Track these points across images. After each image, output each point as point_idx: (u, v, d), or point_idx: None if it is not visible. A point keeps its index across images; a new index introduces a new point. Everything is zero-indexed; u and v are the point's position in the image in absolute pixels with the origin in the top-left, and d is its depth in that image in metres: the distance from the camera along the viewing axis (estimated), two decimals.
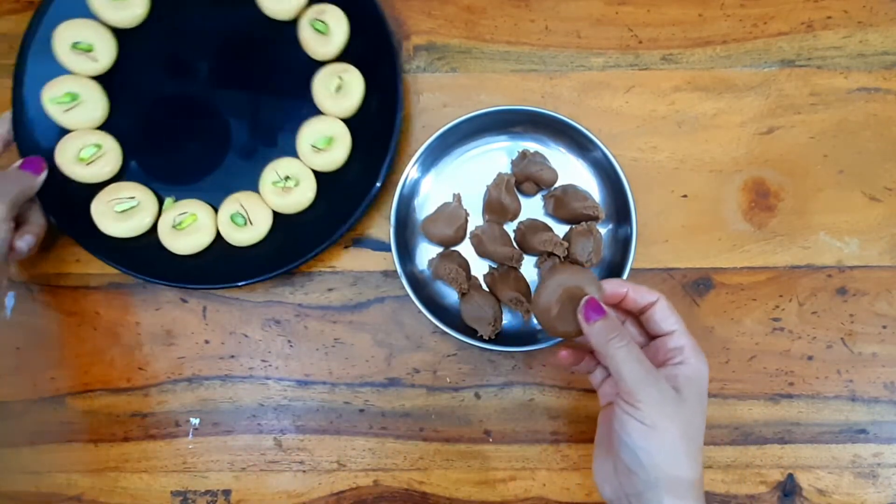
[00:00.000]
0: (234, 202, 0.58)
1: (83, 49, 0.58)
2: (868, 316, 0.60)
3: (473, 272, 0.59)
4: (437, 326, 0.55)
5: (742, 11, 0.62)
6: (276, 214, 0.59)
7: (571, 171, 0.59)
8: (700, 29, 0.62)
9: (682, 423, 0.42)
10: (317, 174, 0.59)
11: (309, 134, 0.58)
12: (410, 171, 0.57)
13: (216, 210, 0.59)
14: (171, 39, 0.61)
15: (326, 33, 0.58)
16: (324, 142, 0.57)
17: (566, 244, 0.56)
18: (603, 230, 0.59)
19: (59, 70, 0.58)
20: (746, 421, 0.59)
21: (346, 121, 0.59)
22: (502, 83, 0.62)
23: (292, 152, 0.59)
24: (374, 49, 0.59)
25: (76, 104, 0.57)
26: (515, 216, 0.59)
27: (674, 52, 0.62)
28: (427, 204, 0.60)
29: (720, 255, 0.61)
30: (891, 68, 0.62)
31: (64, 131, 0.58)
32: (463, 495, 0.59)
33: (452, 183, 0.60)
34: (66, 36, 0.58)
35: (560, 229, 0.59)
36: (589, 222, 0.57)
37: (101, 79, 0.59)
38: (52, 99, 0.57)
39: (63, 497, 0.60)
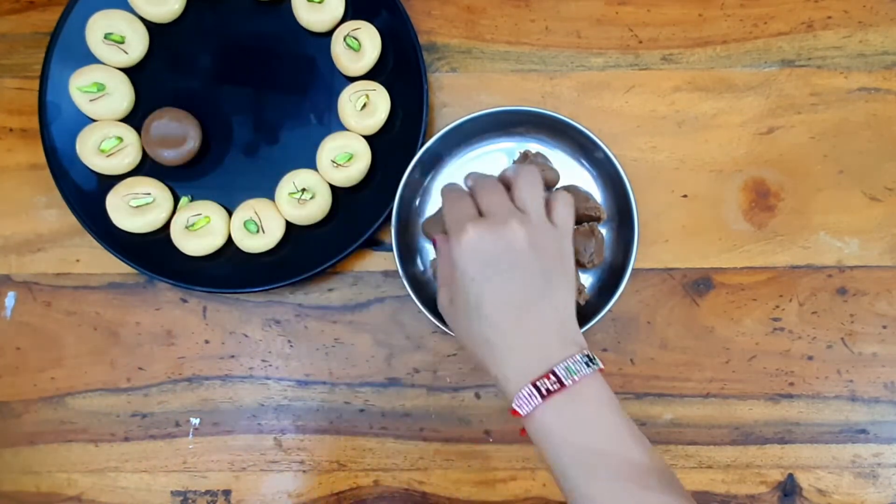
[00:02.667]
0: (249, 209, 0.57)
1: (115, 40, 0.58)
2: (868, 316, 0.60)
3: None
4: (437, 326, 0.55)
5: (742, 11, 0.62)
6: (289, 224, 0.59)
7: (573, 171, 0.59)
8: (700, 29, 0.62)
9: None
10: (333, 187, 0.59)
11: (330, 149, 0.58)
12: (412, 172, 0.57)
13: (230, 213, 0.59)
14: (203, 38, 0.61)
15: (358, 50, 0.58)
16: (344, 158, 0.57)
17: None
18: (604, 231, 0.59)
19: (87, 59, 0.58)
20: (746, 421, 0.59)
21: (369, 136, 0.59)
22: (502, 83, 0.62)
23: (311, 164, 0.58)
24: (403, 68, 0.59)
25: (102, 94, 0.57)
26: None
27: (674, 52, 0.62)
28: (428, 204, 0.59)
29: (720, 255, 0.61)
30: (891, 68, 0.62)
31: (87, 120, 0.58)
32: (463, 495, 0.59)
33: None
34: (100, 25, 0.58)
35: None
36: (591, 223, 0.57)
37: (129, 71, 0.59)
38: (80, 87, 0.57)
39: (63, 497, 0.60)
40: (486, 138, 0.60)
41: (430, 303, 0.57)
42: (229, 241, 0.58)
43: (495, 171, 0.58)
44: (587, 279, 0.59)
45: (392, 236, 0.56)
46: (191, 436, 0.60)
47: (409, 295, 0.55)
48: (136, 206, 0.57)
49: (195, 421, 0.60)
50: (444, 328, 0.55)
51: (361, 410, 0.60)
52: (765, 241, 0.61)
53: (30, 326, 0.60)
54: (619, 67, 0.62)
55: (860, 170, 0.61)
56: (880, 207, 0.61)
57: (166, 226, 0.58)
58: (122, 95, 0.58)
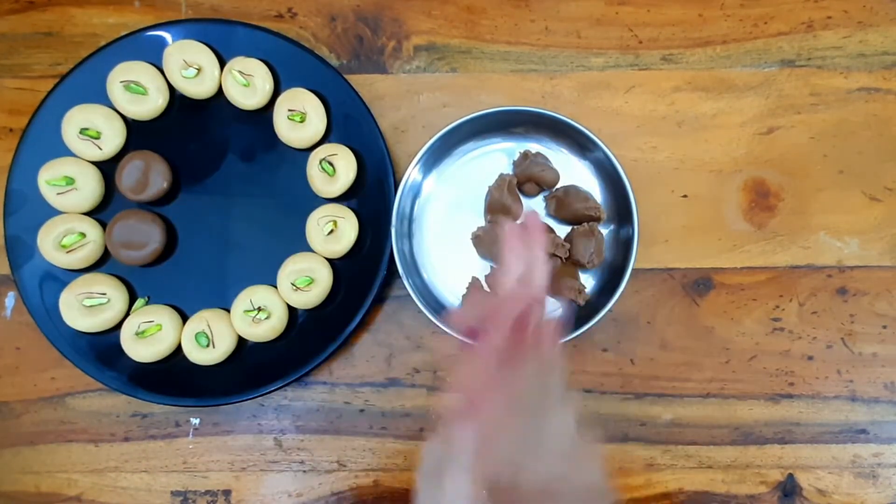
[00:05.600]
0: (202, 320, 0.56)
1: (90, 135, 0.57)
2: (868, 316, 0.60)
3: (474, 273, 0.59)
4: (437, 326, 0.55)
5: (742, 11, 0.62)
6: (241, 337, 0.58)
7: (573, 171, 0.59)
8: (700, 29, 0.62)
9: None
10: (291, 306, 0.58)
11: (291, 272, 0.56)
12: (412, 173, 0.57)
13: (186, 317, 0.58)
14: (181, 139, 0.60)
15: (333, 175, 0.57)
16: (304, 282, 0.56)
17: (568, 245, 0.56)
18: (604, 231, 0.59)
19: (61, 147, 0.58)
20: (746, 421, 0.59)
21: (334, 258, 0.58)
22: (502, 83, 0.62)
23: (274, 277, 0.57)
24: (375, 192, 0.58)
25: (71, 188, 0.56)
26: (517, 217, 0.59)
27: (674, 52, 0.62)
28: (428, 204, 0.59)
29: (720, 255, 0.61)
30: (891, 68, 0.62)
31: (52, 211, 0.57)
32: None
33: (454, 184, 0.60)
34: (77, 120, 0.57)
35: (562, 230, 0.59)
36: (591, 223, 0.57)
37: (103, 162, 0.58)
38: (48, 181, 0.56)
39: (63, 497, 0.60)
40: (486, 138, 0.60)
41: (431, 303, 0.57)
42: (179, 346, 0.57)
43: (495, 172, 0.58)
44: (587, 279, 0.59)
45: (392, 236, 0.56)
46: (191, 436, 0.60)
47: (409, 295, 0.55)
48: (89, 306, 0.56)
49: (195, 421, 0.60)
50: (444, 328, 0.55)
51: (361, 410, 0.60)
52: (765, 241, 0.61)
53: (30, 326, 0.60)
54: (619, 67, 0.62)
55: (860, 170, 0.61)
56: (880, 207, 0.61)
57: (119, 324, 0.57)
58: (91, 190, 0.57)
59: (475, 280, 0.57)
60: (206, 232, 0.59)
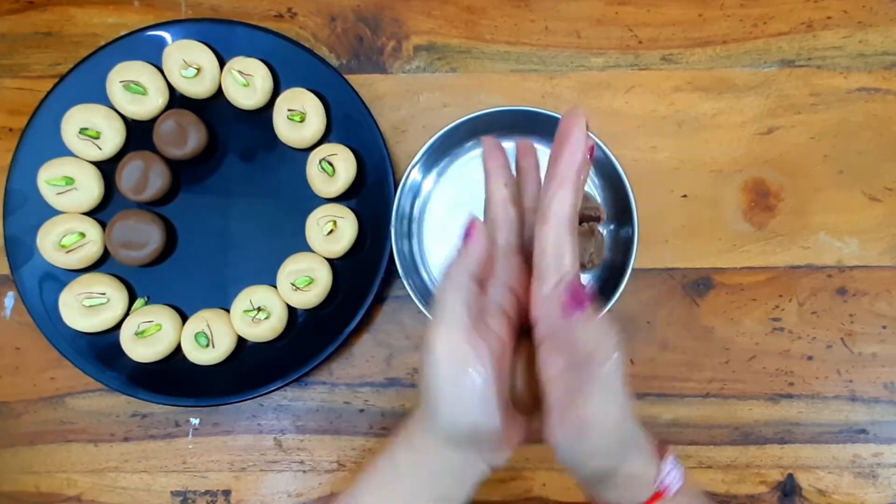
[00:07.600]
0: (202, 321, 0.56)
1: (90, 135, 0.57)
2: (868, 316, 0.60)
3: None
4: None
5: (742, 11, 0.62)
6: (241, 337, 0.58)
7: None
8: (700, 29, 0.62)
9: None
10: (291, 306, 0.58)
11: (291, 272, 0.56)
12: (412, 173, 0.57)
13: (186, 317, 0.58)
14: None
15: (332, 175, 0.57)
16: (303, 282, 0.56)
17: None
18: (604, 231, 0.59)
19: (61, 147, 0.58)
20: (746, 421, 0.59)
21: (333, 258, 0.58)
22: (502, 83, 0.62)
23: (274, 277, 0.57)
24: (375, 193, 0.58)
25: (71, 188, 0.56)
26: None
27: (674, 52, 0.62)
28: (428, 204, 0.59)
29: (720, 255, 0.61)
30: (891, 68, 0.62)
31: (51, 210, 0.57)
32: None
33: (454, 184, 0.60)
34: (77, 119, 0.56)
35: None
36: (591, 223, 0.57)
37: (103, 162, 0.58)
38: (48, 181, 0.56)
39: (63, 497, 0.60)
40: None
41: (431, 303, 0.57)
42: (179, 346, 0.57)
43: None
44: (587, 279, 0.59)
45: (391, 236, 0.56)
46: (190, 436, 0.60)
47: (409, 295, 0.55)
48: (89, 306, 0.56)
49: (195, 421, 0.60)
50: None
51: (361, 410, 0.60)
52: (765, 241, 0.61)
53: (30, 326, 0.60)
54: (619, 67, 0.62)
55: (860, 170, 0.61)
56: (880, 207, 0.61)
57: (119, 324, 0.57)
58: (90, 190, 0.57)
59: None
60: (206, 232, 0.59)
